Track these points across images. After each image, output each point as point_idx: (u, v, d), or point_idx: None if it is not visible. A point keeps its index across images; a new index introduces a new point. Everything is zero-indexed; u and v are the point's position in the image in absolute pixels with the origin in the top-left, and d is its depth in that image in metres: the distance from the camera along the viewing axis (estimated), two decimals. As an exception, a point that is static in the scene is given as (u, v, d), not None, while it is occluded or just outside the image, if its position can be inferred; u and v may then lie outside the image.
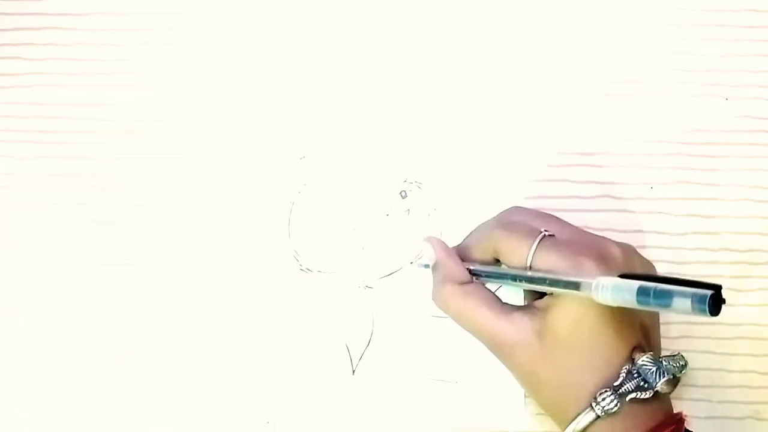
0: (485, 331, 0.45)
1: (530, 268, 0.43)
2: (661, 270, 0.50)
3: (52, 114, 0.52)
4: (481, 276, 0.46)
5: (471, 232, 0.49)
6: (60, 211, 0.51)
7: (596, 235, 0.46)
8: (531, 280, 0.43)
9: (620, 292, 0.38)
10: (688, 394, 0.50)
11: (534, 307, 0.44)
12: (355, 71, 0.52)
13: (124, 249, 0.51)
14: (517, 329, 0.44)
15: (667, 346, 0.50)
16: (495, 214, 0.48)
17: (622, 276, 0.39)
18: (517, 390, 0.49)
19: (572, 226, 0.46)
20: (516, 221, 0.46)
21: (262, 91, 0.52)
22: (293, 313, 0.50)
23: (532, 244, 0.43)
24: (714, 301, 0.36)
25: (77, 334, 0.50)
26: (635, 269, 0.44)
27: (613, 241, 0.45)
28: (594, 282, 0.39)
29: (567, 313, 0.42)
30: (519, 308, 0.45)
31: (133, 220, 0.51)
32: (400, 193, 0.51)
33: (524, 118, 0.52)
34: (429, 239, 0.48)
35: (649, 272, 0.46)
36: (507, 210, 0.48)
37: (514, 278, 0.44)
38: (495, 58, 0.52)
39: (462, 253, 0.48)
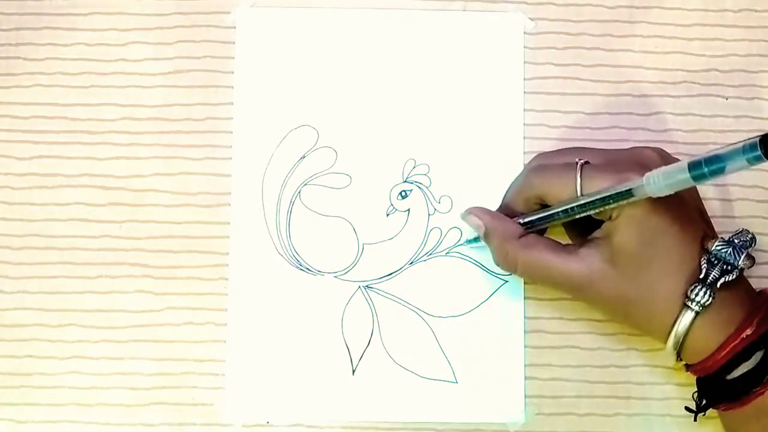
0: (558, 275, 0.44)
1: (580, 195, 0.44)
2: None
3: (52, 114, 0.52)
4: (534, 224, 0.46)
5: (505, 194, 0.49)
6: (60, 211, 0.51)
7: (626, 149, 0.46)
8: (583, 206, 0.43)
9: (673, 176, 0.39)
10: (689, 394, 0.50)
11: (595, 238, 0.44)
12: (355, 72, 0.52)
13: (124, 249, 0.51)
14: (588, 264, 0.44)
15: (667, 346, 0.50)
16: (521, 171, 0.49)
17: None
18: (516, 389, 0.50)
19: (599, 149, 0.47)
20: (548, 164, 0.47)
21: (262, 90, 0.52)
22: (293, 313, 0.50)
23: (575, 177, 0.44)
24: (764, 143, 0.36)
25: (77, 334, 0.50)
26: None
27: (646, 147, 0.46)
28: (644, 179, 0.40)
29: (630, 227, 0.42)
30: (580, 245, 0.45)
31: (132, 220, 0.51)
32: (400, 193, 0.51)
33: (524, 119, 0.52)
34: (470, 210, 0.48)
35: None
36: (531, 161, 0.48)
37: (566, 212, 0.44)
38: (495, 58, 0.52)
39: (507, 211, 0.48)
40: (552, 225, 0.46)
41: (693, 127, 0.52)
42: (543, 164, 0.47)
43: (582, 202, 0.43)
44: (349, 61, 0.52)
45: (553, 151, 0.48)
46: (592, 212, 0.43)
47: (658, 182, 0.40)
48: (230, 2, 0.52)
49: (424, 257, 0.51)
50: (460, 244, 0.50)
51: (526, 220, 0.46)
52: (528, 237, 0.46)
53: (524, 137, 0.51)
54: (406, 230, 0.51)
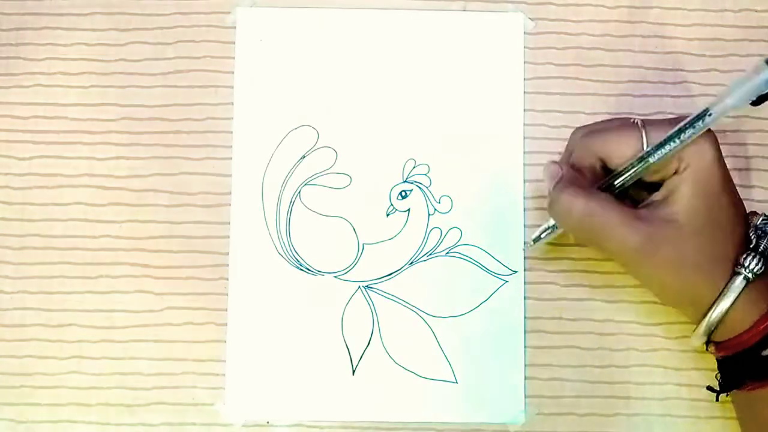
0: (617, 232, 0.43)
1: (647, 146, 0.44)
2: (661, 270, 0.51)
3: (52, 114, 0.52)
4: (607, 181, 0.45)
5: (560, 164, 0.46)
6: (60, 211, 0.51)
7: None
8: (660, 146, 0.43)
9: (747, 80, 0.41)
10: (689, 394, 0.50)
11: (654, 200, 0.44)
12: (355, 72, 0.52)
13: (124, 249, 0.51)
14: (649, 223, 0.43)
15: (667, 347, 0.50)
16: (566, 144, 0.48)
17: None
18: (516, 389, 0.50)
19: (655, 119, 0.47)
20: (598, 127, 0.46)
21: (262, 90, 0.52)
22: (293, 314, 0.50)
23: (639, 130, 0.44)
24: None
25: (77, 334, 0.50)
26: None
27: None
28: (711, 107, 0.42)
29: (698, 176, 0.43)
30: (639, 208, 0.44)
31: (132, 220, 0.51)
32: (400, 193, 0.51)
33: (524, 119, 0.52)
34: (550, 163, 0.46)
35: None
36: (576, 131, 0.47)
37: (641, 159, 0.44)
38: (495, 58, 0.52)
39: (573, 151, 0.47)
40: (620, 186, 0.45)
41: (693, 127, 0.52)
42: (594, 129, 0.46)
43: (658, 143, 0.43)
44: (349, 61, 0.52)
45: (594, 123, 0.47)
46: (668, 152, 0.43)
47: (738, 87, 0.41)
48: (230, 2, 0.52)
49: (424, 257, 0.51)
50: (536, 238, 0.49)
51: (599, 174, 0.46)
52: (593, 190, 0.45)
53: (524, 137, 0.51)
54: (406, 230, 0.51)
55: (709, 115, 0.42)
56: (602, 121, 0.48)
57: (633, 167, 0.44)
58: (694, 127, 0.43)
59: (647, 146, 0.44)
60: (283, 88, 0.52)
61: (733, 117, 0.43)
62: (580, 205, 0.44)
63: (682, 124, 0.43)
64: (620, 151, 0.45)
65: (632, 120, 0.45)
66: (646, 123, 0.45)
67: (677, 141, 0.43)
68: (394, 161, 0.51)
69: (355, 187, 0.51)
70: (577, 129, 0.48)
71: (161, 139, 0.52)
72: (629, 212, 0.44)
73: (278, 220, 0.51)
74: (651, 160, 0.44)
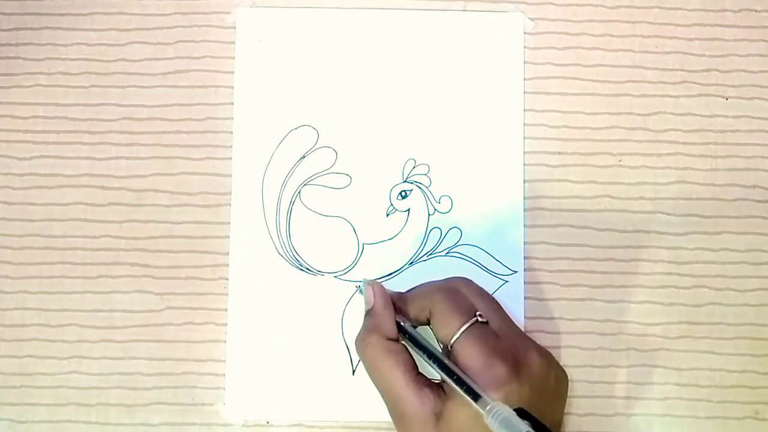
0: (392, 394, 0.44)
1: (451, 347, 0.44)
2: (662, 270, 0.51)
3: (52, 114, 0.52)
4: (406, 337, 0.46)
5: (417, 286, 0.48)
6: (60, 211, 0.51)
7: (524, 335, 0.47)
8: (444, 368, 0.43)
9: (505, 430, 0.39)
10: (689, 394, 0.50)
11: (442, 388, 0.44)
12: (355, 72, 0.52)
13: (124, 249, 0.51)
14: (420, 404, 0.43)
15: (668, 347, 0.50)
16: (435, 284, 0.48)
17: (520, 411, 0.40)
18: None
19: (508, 318, 0.46)
20: (459, 292, 0.46)
21: (262, 90, 0.52)
22: (293, 314, 0.50)
23: (462, 326, 0.44)
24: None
25: (77, 334, 0.50)
26: (548, 383, 0.44)
27: (537, 348, 0.45)
28: (490, 405, 0.40)
29: (465, 410, 0.42)
30: (430, 384, 0.44)
31: (132, 220, 0.51)
32: (400, 193, 0.51)
33: (524, 119, 0.52)
34: (372, 285, 0.48)
35: (562, 385, 0.46)
36: (457, 278, 0.48)
37: (431, 357, 0.44)
38: (495, 58, 0.52)
39: (400, 304, 0.47)
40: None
41: (693, 127, 0.52)
42: (456, 290, 0.46)
43: (444, 363, 0.43)
44: (349, 61, 0.52)
45: (474, 287, 0.47)
46: (446, 380, 0.43)
47: (494, 421, 0.40)
48: (230, 2, 0.52)
49: (424, 257, 0.51)
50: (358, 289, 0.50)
51: (406, 330, 0.46)
52: (394, 344, 0.45)
53: (524, 137, 0.51)
54: (406, 230, 0.51)
55: (476, 400, 0.41)
56: (471, 288, 0.47)
57: (423, 356, 0.44)
58: (466, 394, 0.41)
59: (450, 347, 0.44)
60: (283, 88, 0.52)
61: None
62: (372, 355, 0.45)
63: (460, 379, 0.42)
64: (437, 327, 0.45)
65: (476, 315, 0.44)
66: (467, 332, 0.43)
67: (455, 384, 0.42)
68: (394, 161, 0.51)
69: (355, 187, 0.51)
70: (460, 279, 0.48)
71: (161, 139, 0.52)
72: (413, 384, 0.44)
73: (278, 220, 0.51)
74: (434, 368, 0.44)
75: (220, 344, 0.50)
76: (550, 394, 0.45)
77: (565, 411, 0.50)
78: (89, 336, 0.50)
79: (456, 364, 0.43)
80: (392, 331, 0.46)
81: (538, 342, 0.49)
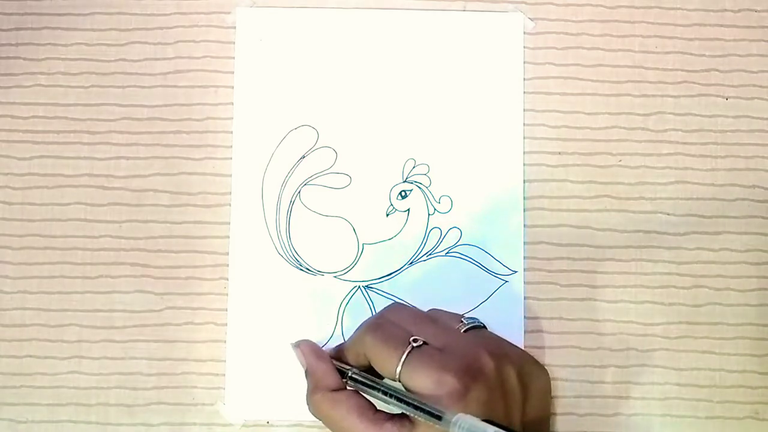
0: None
1: (400, 381, 0.43)
2: (662, 270, 0.51)
3: (52, 114, 0.52)
4: (356, 384, 0.45)
5: (354, 332, 0.47)
6: (60, 211, 0.51)
7: (470, 341, 0.45)
8: (400, 400, 0.42)
9: None
10: (689, 394, 0.50)
11: (406, 417, 0.43)
12: (355, 72, 0.52)
13: (124, 249, 0.51)
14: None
15: (667, 347, 0.50)
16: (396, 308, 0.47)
17: (488, 420, 0.39)
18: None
19: (449, 330, 0.46)
20: (388, 325, 0.45)
21: (262, 90, 0.52)
22: (293, 313, 0.50)
23: (400, 357, 0.43)
24: None
25: (77, 334, 0.50)
26: (507, 382, 0.44)
27: (486, 349, 0.44)
28: (453, 419, 0.40)
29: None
30: (390, 417, 0.43)
31: (132, 220, 0.51)
32: (400, 193, 0.51)
33: (524, 119, 0.52)
34: (299, 344, 0.48)
35: (534, 382, 0.46)
36: (385, 309, 0.47)
37: (386, 393, 0.43)
38: (495, 58, 0.52)
39: (340, 355, 0.47)
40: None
41: (693, 127, 0.52)
42: (385, 323, 0.45)
43: (399, 396, 0.43)
44: (349, 61, 0.52)
45: (406, 310, 0.47)
46: (408, 412, 0.42)
47: None
48: (230, 2, 0.52)
49: (424, 257, 0.51)
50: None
51: (353, 377, 0.45)
52: (340, 393, 0.45)
53: (524, 137, 0.51)
54: (406, 230, 0.51)
55: (440, 420, 0.40)
56: (407, 315, 0.46)
57: (377, 396, 0.44)
58: (426, 418, 0.41)
59: (398, 379, 0.43)
60: (283, 88, 0.52)
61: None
62: (324, 411, 0.45)
63: (418, 405, 0.41)
64: (378, 364, 0.44)
65: (410, 341, 0.43)
66: (410, 358, 0.43)
67: (413, 413, 0.42)
68: (394, 161, 0.51)
69: (355, 187, 0.51)
70: (390, 307, 0.47)
71: (161, 139, 0.52)
72: (371, 424, 0.43)
73: (278, 220, 0.51)
74: (393, 404, 0.43)
75: (220, 344, 0.50)
76: (514, 394, 0.44)
77: (566, 411, 0.50)
78: (89, 336, 0.50)
79: (411, 393, 0.43)
80: (334, 382, 0.45)
81: (537, 342, 0.50)
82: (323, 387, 0.45)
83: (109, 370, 0.50)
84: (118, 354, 0.50)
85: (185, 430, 0.50)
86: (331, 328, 0.50)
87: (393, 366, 0.43)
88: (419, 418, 0.42)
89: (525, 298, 0.51)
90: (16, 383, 0.50)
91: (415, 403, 0.42)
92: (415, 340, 0.44)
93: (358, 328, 0.47)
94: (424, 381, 0.42)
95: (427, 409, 0.41)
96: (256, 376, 0.50)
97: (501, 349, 0.45)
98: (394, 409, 0.43)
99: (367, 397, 0.45)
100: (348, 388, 0.45)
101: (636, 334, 0.50)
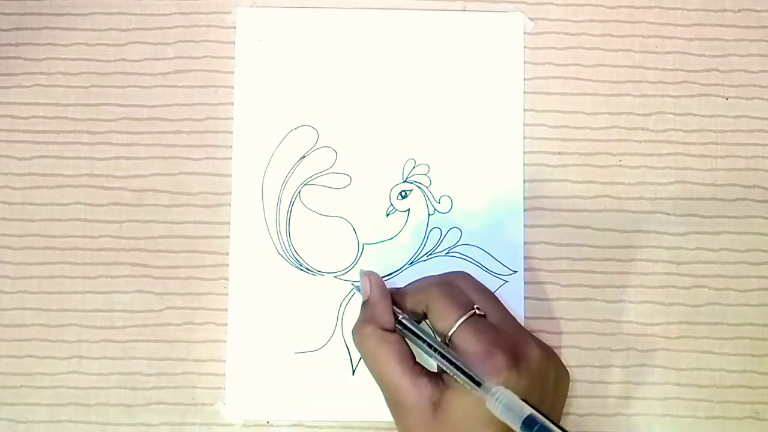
0: (389, 383, 0.45)
1: (450, 339, 0.44)
2: (662, 270, 0.51)
3: (52, 114, 0.52)
4: (405, 330, 0.46)
5: (415, 281, 0.49)
6: (60, 211, 0.51)
7: (523, 329, 0.47)
8: (443, 357, 0.43)
9: (510, 412, 0.40)
10: (689, 394, 0.50)
11: (440, 377, 0.44)
12: (355, 72, 0.52)
13: (124, 249, 0.51)
14: (418, 392, 0.44)
15: (667, 347, 0.50)
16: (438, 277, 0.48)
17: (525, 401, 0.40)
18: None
19: (507, 312, 0.47)
20: (457, 287, 0.46)
21: (262, 90, 0.52)
22: (293, 313, 0.50)
23: (459, 318, 0.44)
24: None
25: (77, 334, 0.50)
26: (547, 377, 0.45)
27: (536, 341, 0.46)
28: (493, 389, 0.41)
29: (464, 399, 0.43)
30: (427, 373, 0.45)
31: (132, 220, 0.51)
32: (400, 193, 0.51)
33: (524, 119, 0.52)
34: (368, 275, 0.48)
35: (562, 382, 0.46)
36: (455, 272, 0.49)
37: (431, 346, 0.44)
38: (495, 58, 0.52)
39: (397, 298, 0.48)
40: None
41: (693, 127, 0.52)
42: (453, 284, 0.47)
43: (444, 353, 0.43)
44: (349, 61, 0.52)
45: (473, 281, 0.48)
46: (447, 369, 0.43)
47: (497, 405, 0.40)
48: (230, 2, 0.52)
49: (424, 257, 0.51)
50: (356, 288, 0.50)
51: (403, 322, 0.46)
52: (390, 334, 0.46)
53: (524, 137, 0.51)
54: (406, 230, 0.51)
55: (478, 388, 0.41)
56: (469, 283, 0.47)
57: (422, 347, 0.45)
58: (466, 383, 0.42)
59: (449, 339, 0.44)
60: (283, 88, 0.52)
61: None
62: (369, 346, 0.46)
63: (461, 369, 0.42)
64: (435, 319, 0.45)
65: (474, 308, 0.45)
66: (466, 324, 0.44)
67: (454, 375, 0.43)
68: (394, 161, 0.51)
69: (355, 187, 0.51)
70: (459, 273, 0.49)
71: (161, 139, 0.52)
72: (409, 373, 0.44)
73: (278, 220, 0.51)
74: (434, 357, 0.44)
75: (220, 344, 0.50)
76: (549, 389, 0.45)
77: (566, 411, 0.50)
78: (89, 336, 0.50)
79: (456, 354, 0.43)
80: (388, 321, 0.46)
81: (538, 342, 0.49)
82: (376, 323, 0.46)
83: (109, 370, 0.50)
84: (118, 354, 0.50)
85: (185, 430, 0.50)
86: (331, 328, 0.50)
87: (450, 322, 0.44)
88: (456, 380, 0.42)
89: (525, 298, 0.51)
90: (16, 383, 0.50)
91: (459, 364, 0.42)
92: (477, 308, 0.45)
93: (419, 280, 0.48)
94: (473, 347, 0.43)
95: (470, 373, 0.42)
96: (256, 376, 0.50)
97: (547, 346, 0.47)
98: (434, 364, 0.44)
99: (411, 346, 0.46)
100: (398, 332, 0.46)
101: (636, 334, 0.50)
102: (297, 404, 0.50)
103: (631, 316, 0.51)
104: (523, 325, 0.50)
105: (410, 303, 0.47)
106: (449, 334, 0.44)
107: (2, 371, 0.50)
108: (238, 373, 0.50)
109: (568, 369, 0.48)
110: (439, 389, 0.44)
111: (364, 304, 0.48)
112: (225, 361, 0.50)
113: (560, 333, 0.50)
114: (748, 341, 0.50)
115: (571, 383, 0.49)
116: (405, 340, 0.46)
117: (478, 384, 0.41)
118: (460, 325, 0.44)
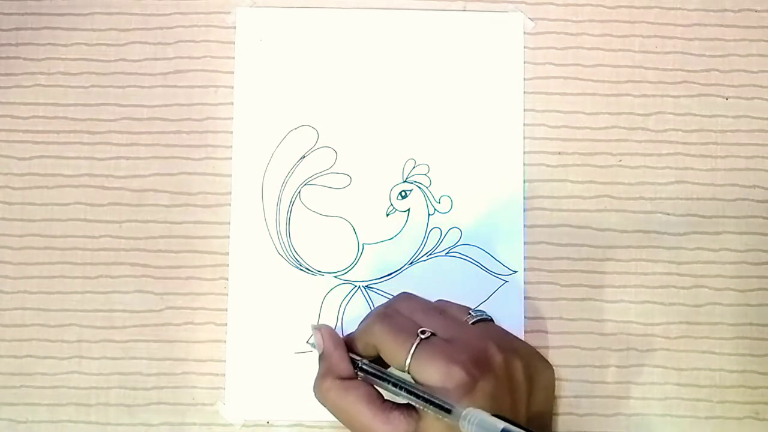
0: (362, 427, 0.44)
1: (408, 371, 0.43)
2: (662, 270, 0.51)
3: (52, 114, 0.52)
4: (366, 375, 0.45)
5: (363, 320, 0.47)
6: (60, 211, 0.51)
7: (478, 333, 0.45)
8: (410, 392, 0.42)
9: (485, 430, 0.39)
10: (689, 394, 0.50)
11: (413, 408, 0.43)
12: (355, 72, 0.52)
13: (124, 249, 0.51)
14: (393, 429, 0.43)
15: (667, 347, 0.50)
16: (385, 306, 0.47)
17: (497, 415, 0.40)
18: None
19: (457, 322, 0.46)
20: (399, 315, 0.45)
21: (262, 90, 0.52)
22: (293, 313, 0.50)
23: (409, 349, 0.43)
24: None
25: (77, 334, 0.50)
26: (515, 375, 0.44)
27: (496, 342, 0.44)
28: (463, 413, 0.40)
29: (439, 423, 0.42)
30: (398, 407, 0.44)
31: (132, 220, 0.51)
32: (400, 193, 0.51)
33: (524, 119, 0.52)
34: (320, 329, 0.47)
35: (539, 376, 0.46)
36: (394, 299, 0.48)
37: (395, 385, 0.43)
38: (495, 58, 0.52)
39: (350, 345, 0.47)
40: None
41: (693, 127, 0.52)
42: (394, 313, 0.46)
43: (409, 387, 0.43)
44: (349, 61, 0.52)
45: (415, 300, 0.47)
46: (417, 404, 0.42)
47: (470, 427, 0.39)
48: (230, 2, 0.52)
49: (424, 257, 0.51)
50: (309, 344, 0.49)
51: (363, 367, 0.45)
52: (351, 381, 0.45)
53: (524, 137, 0.51)
54: (406, 230, 0.51)
55: (450, 413, 0.41)
56: (415, 304, 0.47)
57: (386, 387, 0.44)
58: (435, 411, 0.41)
59: (407, 370, 0.43)
60: (283, 88, 0.52)
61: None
62: (331, 398, 0.45)
63: (428, 397, 0.41)
64: (387, 355, 0.44)
65: (417, 333, 0.44)
66: (419, 350, 0.43)
67: (421, 405, 0.42)
68: (394, 161, 0.51)
69: (355, 187, 0.51)
70: (399, 296, 0.48)
71: (161, 139, 0.52)
72: (379, 412, 0.43)
73: (278, 220, 0.51)
74: (402, 395, 0.43)
75: (220, 344, 0.50)
76: (520, 384, 0.44)
77: (565, 411, 0.50)
78: (89, 336, 0.50)
79: (420, 385, 0.43)
80: (346, 369, 0.45)
81: (537, 342, 0.49)
82: (335, 374, 0.45)
83: (109, 370, 0.50)
84: (118, 354, 0.50)
85: (185, 430, 0.50)
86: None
87: (402, 358, 0.43)
88: (428, 411, 0.42)
89: (525, 298, 0.51)
90: (16, 383, 0.50)
91: (425, 396, 0.42)
92: (423, 332, 0.44)
93: (366, 317, 0.47)
94: (432, 373, 0.42)
95: (437, 402, 0.41)
96: (256, 376, 0.50)
97: (508, 342, 0.46)
98: (404, 399, 0.43)
99: (377, 387, 0.45)
100: (359, 378, 0.45)
101: (636, 334, 0.50)
102: (297, 404, 0.50)
103: (631, 316, 0.51)
104: (522, 325, 0.50)
105: (361, 348, 0.46)
106: (406, 367, 0.43)
107: (2, 371, 0.50)
108: (238, 373, 0.50)
109: (567, 369, 0.48)
110: (413, 419, 0.43)
111: (320, 357, 0.47)
112: (225, 361, 0.50)
113: (560, 333, 0.50)
114: (748, 341, 0.50)
115: (571, 383, 0.49)
116: (368, 384, 0.45)
117: (449, 411, 0.41)
118: (412, 355, 0.43)
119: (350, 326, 0.50)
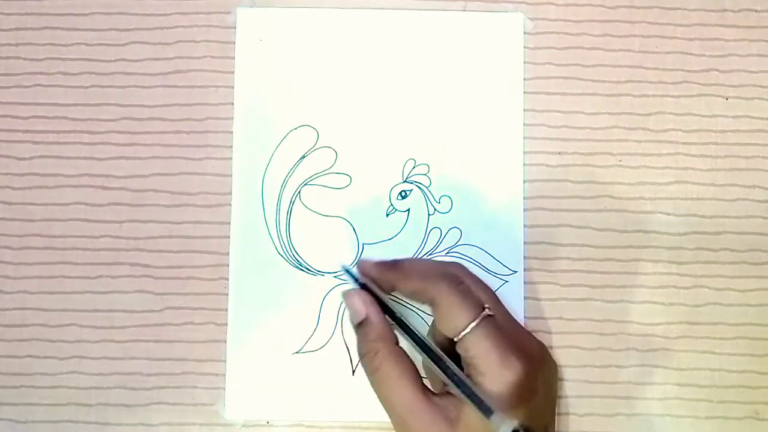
0: (403, 404, 0.42)
1: (460, 341, 0.42)
2: (662, 270, 0.51)
3: (52, 114, 0.52)
4: (404, 336, 0.43)
5: (411, 260, 0.46)
6: (60, 211, 0.51)
7: (520, 324, 0.46)
8: (452, 377, 0.41)
9: None
10: (689, 394, 0.50)
11: (451, 394, 0.42)
12: (355, 72, 0.52)
13: (124, 249, 0.51)
14: (437, 410, 0.42)
15: (667, 347, 0.50)
16: (439, 266, 0.46)
17: (526, 429, 0.39)
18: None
19: (504, 309, 0.45)
20: (465, 284, 0.44)
21: (262, 90, 0.52)
22: (293, 313, 0.50)
23: (472, 320, 0.42)
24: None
25: (77, 334, 0.50)
26: (545, 367, 0.46)
27: (532, 335, 0.47)
28: (503, 427, 0.39)
29: (478, 418, 0.41)
30: (435, 393, 0.43)
31: (132, 220, 0.51)
32: (400, 193, 0.51)
33: (524, 119, 0.52)
34: (356, 293, 0.45)
35: (554, 372, 0.48)
36: (455, 265, 0.46)
37: (437, 360, 0.42)
38: (495, 58, 0.52)
39: (390, 276, 0.45)
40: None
41: (693, 127, 0.52)
42: (461, 281, 0.44)
43: (452, 371, 0.41)
44: (349, 61, 0.52)
45: (473, 276, 0.46)
46: (453, 390, 0.41)
47: None
48: (230, 2, 0.52)
49: (424, 257, 0.51)
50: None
51: (421, 341, 0.43)
52: (400, 350, 0.44)
53: (524, 137, 0.51)
54: (406, 230, 0.51)
55: (488, 417, 0.40)
56: (472, 278, 0.45)
57: (423, 356, 0.43)
58: (477, 407, 0.40)
59: (461, 336, 0.42)
60: (283, 88, 0.52)
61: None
62: (385, 367, 0.43)
63: (472, 389, 0.41)
64: (443, 318, 0.43)
65: (484, 308, 0.43)
66: (477, 328, 0.42)
67: (462, 392, 0.41)
68: (394, 161, 0.51)
69: (355, 187, 0.51)
70: (457, 265, 0.46)
71: (161, 139, 0.52)
72: (423, 392, 0.42)
73: (278, 220, 0.51)
74: (438, 374, 0.42)
75: (220, 344, 0.50)
76: (545, 379, 0.45)
77: (566, 411, 0.50)
78: (89, 336, 0.50)
79: (465, 357, 0.42)
80: (394, 337, 0.44)
81: (538, 342, 0.49)
82: (387, 342, 0.43)
83: (109, 370, 0.50)
84: (118, 354, 0.50)
85: (185, 430, 0.50)
86: (331, 328, 0.50)
87: (461, 325, 0.42)
88: (466, 402, 0.41)
89: (525, 298, 0.51)
90: (16, 383, 0.50)
91: (468, 389, 0.41)
92: (488, 309, 0.43)
93: (418, 262, 0.47)
94: (488, 353, 0.41)
95: (482, 399, 0.40)
96: (256, 376, 0.50)
97: (537, 340, 0.48)
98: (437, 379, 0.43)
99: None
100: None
101: (636, 334, 0.50)
102: (297, 404, 0.50)
103: (631, 316, 0.51)
104: (522, 325, 0.50)
105: (410, 287, 0.44)
106: (460, 336, 0.42)
107: (2, 371, 0.50)
108: (238, 373, 0.50)
109: (567, 369, 0.48)
110: (454, 405, 0.42)
111: (363, 323, 0.45)
112: (225, 361, 0.50)
113: (560, 333, 0.50)
114: (748, 341, 0.50)
115: (570, 383, 0.49)
116: (408, 355, 0.44)
117: (488, 415, 0.40)
118: (472, 328, 0.42)
119: (350, 326, 0.50)
